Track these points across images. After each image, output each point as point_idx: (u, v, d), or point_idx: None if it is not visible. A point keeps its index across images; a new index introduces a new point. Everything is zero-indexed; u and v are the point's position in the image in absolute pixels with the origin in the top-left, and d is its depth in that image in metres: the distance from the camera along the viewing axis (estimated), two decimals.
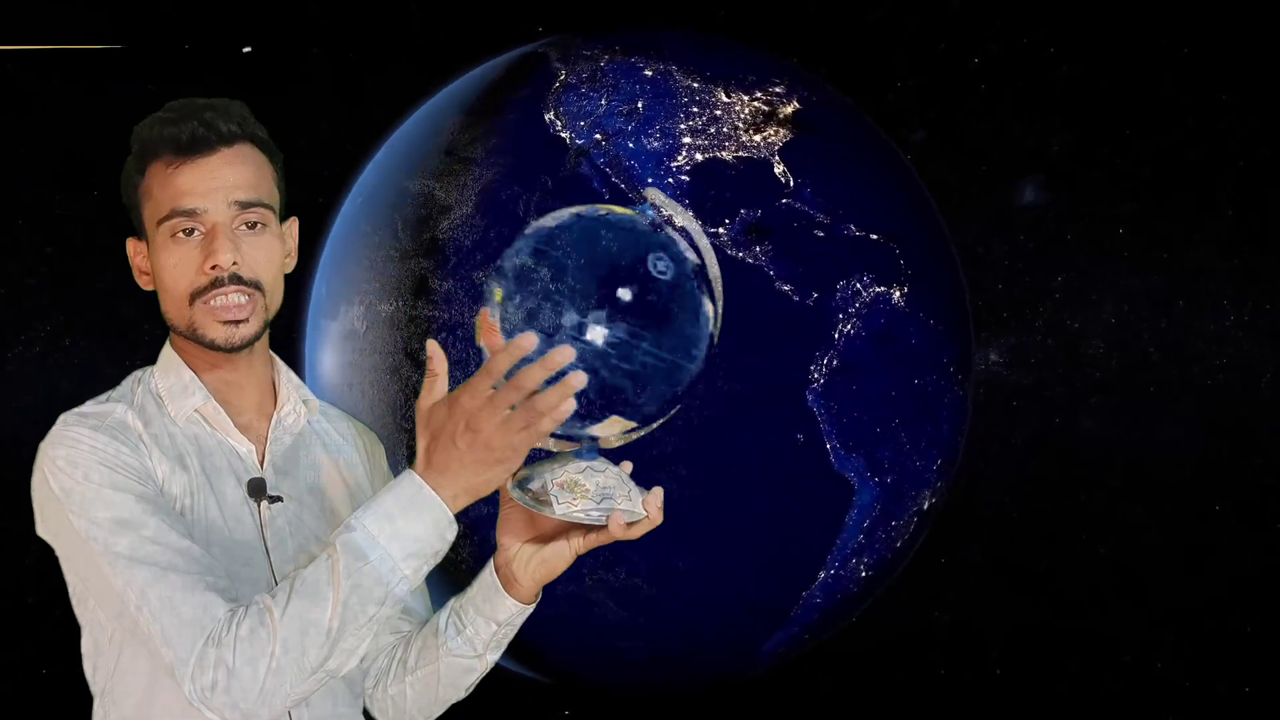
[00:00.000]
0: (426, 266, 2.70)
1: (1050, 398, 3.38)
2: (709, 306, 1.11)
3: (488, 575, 1.30)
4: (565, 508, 1.14)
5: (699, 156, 2.64)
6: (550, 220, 1.12)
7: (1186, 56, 3.28)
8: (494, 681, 1.42)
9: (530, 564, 1.25)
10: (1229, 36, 3.23)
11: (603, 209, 1.12)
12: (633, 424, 1.13)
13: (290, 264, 1.36)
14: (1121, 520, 3.37)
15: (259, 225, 1.28)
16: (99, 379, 3.27)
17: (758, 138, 2.84)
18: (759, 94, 2.92)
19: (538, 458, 1.19)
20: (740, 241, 2.58)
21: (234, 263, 1.24)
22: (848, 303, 2.64)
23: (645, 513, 1.16)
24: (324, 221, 3.06)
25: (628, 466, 1.21)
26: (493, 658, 1.33)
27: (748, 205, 2.61)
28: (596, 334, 1.05)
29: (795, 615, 2.77)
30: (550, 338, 1.06)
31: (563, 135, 2.67)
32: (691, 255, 1.13)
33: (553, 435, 1.12)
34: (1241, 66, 3.22)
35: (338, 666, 1.10)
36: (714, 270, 1.16)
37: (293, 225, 1.37)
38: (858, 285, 2.67)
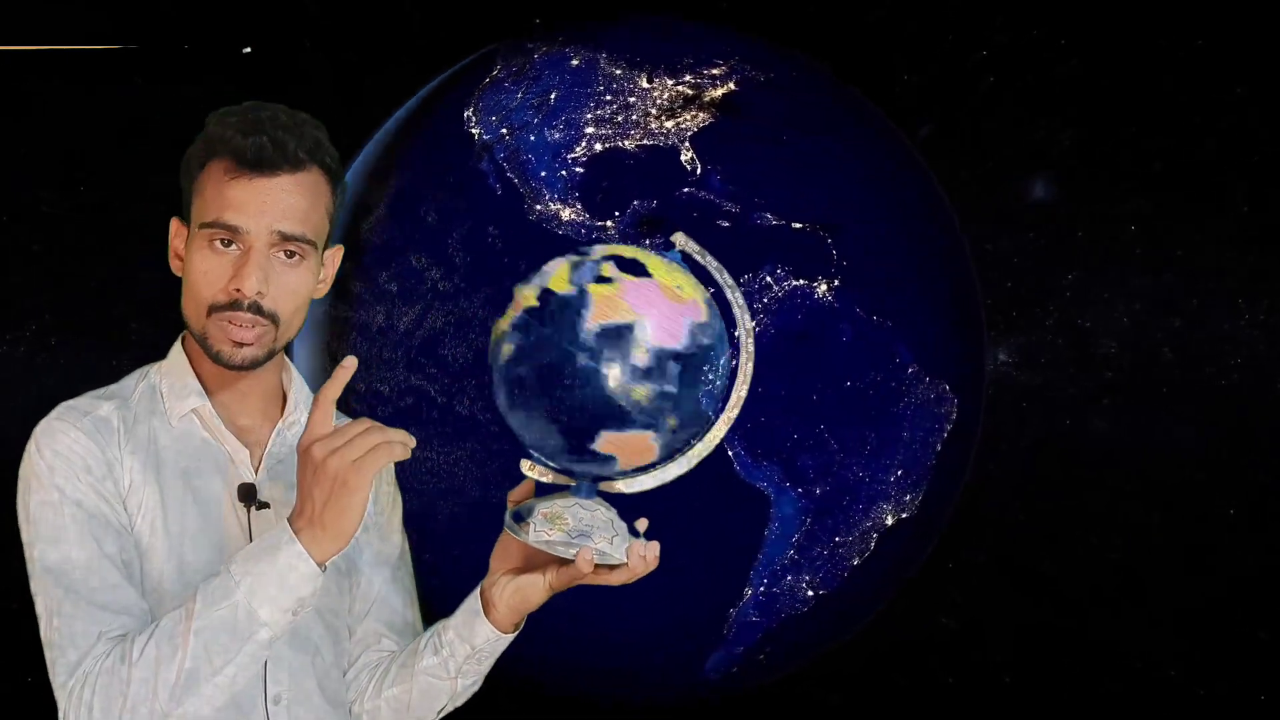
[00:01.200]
0: (345, 268, 2.75)
1: (1060, 398, 3.38)
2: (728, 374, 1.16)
3: (471, 598, 1.34)
4: (537, 535, 1.18)
5: (598, 147, 2.59)
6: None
7: (1200, 49, 3.27)
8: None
9: (507, 590, 1.28)
10: (1243, 28, 3.22)
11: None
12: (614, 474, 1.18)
13: (322, 290, 1.39)
14: (1132, 524, 3.36)
15: (296, 257, 1.30)
16: (87, 379, 3.27)
17: (670, 124, 2.81)
18: (689, 78, 2.89)
19: (547, 493, 1.24)
20: (631, 234, 2.55)
21: (258, 292, 1.27)
22: (752, 298, 2.53)
23: (622, 559, 1.18)
24: None
25: (643, 524, 1.25)
26: (464, 684, 1.36)
27: (645, 196, 2.53)
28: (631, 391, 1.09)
29: (732, 635, 2.72)
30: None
31: (474, 131, 2.65)
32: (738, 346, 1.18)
33: (554, 470, 1.18)
34: (1256, 59, 3.21)
35: (196, 710, 1.14)
36: (746, 323, 1.18)
37: (336, 253, 1.40)
38: (768, 279, 2.54)
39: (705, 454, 1.21)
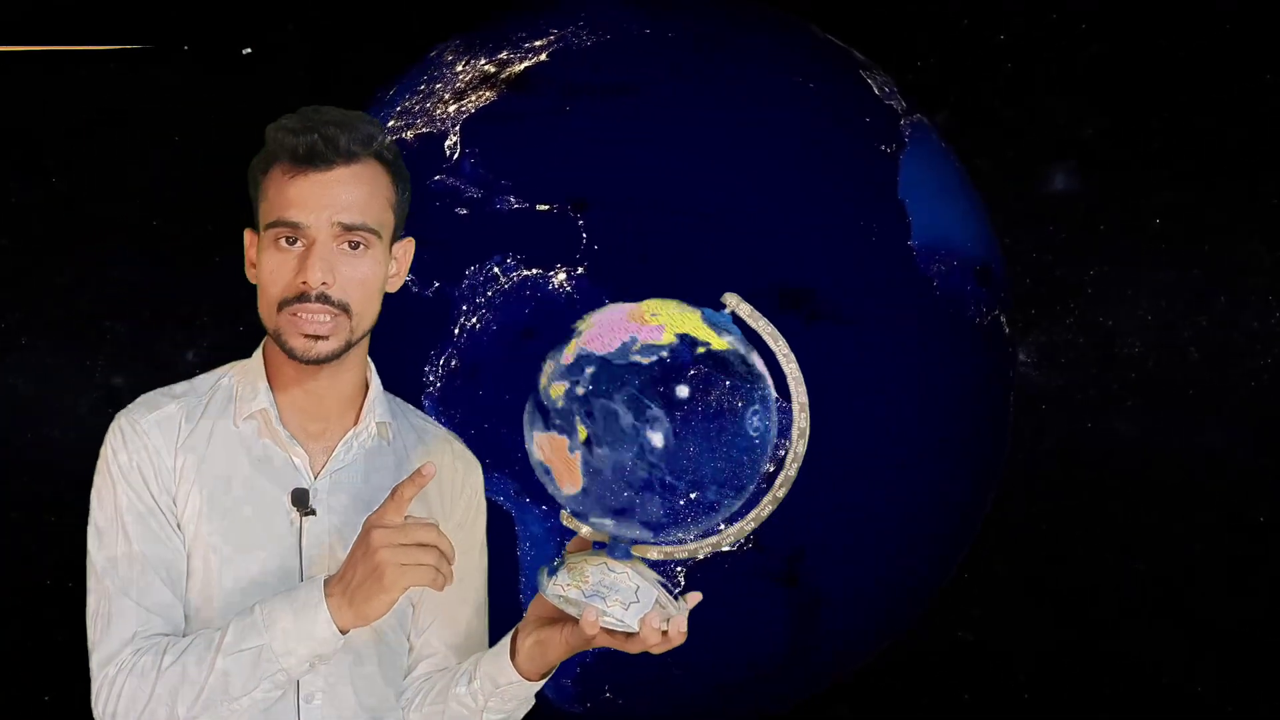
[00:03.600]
0: None
1: (1082, 400, 3.38)
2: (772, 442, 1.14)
3: (504, 639, 1.39)
4: (554, 589, 1.21)
5: (386, 140, 2.64)
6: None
7: (1228, 33, 3.25)
8: None
9: (528, 640, 1.34)
10: (1274, 11, 3.21)
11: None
12: (652, 546, 1.20)
13: (396, 284, 1.45)
14: (1160, 533, 3.34)
15: (361, 247, 1.37)
16: (57, 379, 3.25)
17: (453, 108, 2.78)
18: (502, 56, 2.85)
19: (599, 550, 1.25)
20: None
21: (323, 282, 1.34)
22: (476, 291, 2.40)
23: (632, 627, 1.18)
24: None
25: (694, 598, 1.24)
26: (492, 718, 1.40)
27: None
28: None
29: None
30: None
31: None
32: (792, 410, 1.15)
33: (590, 525, 1.18)
34: None
35: None
36: (799, 396, 1.14)
37: (407, 245, 1.47)
38: (495, 269, 2.39)
39: (745, 533, 1.19)
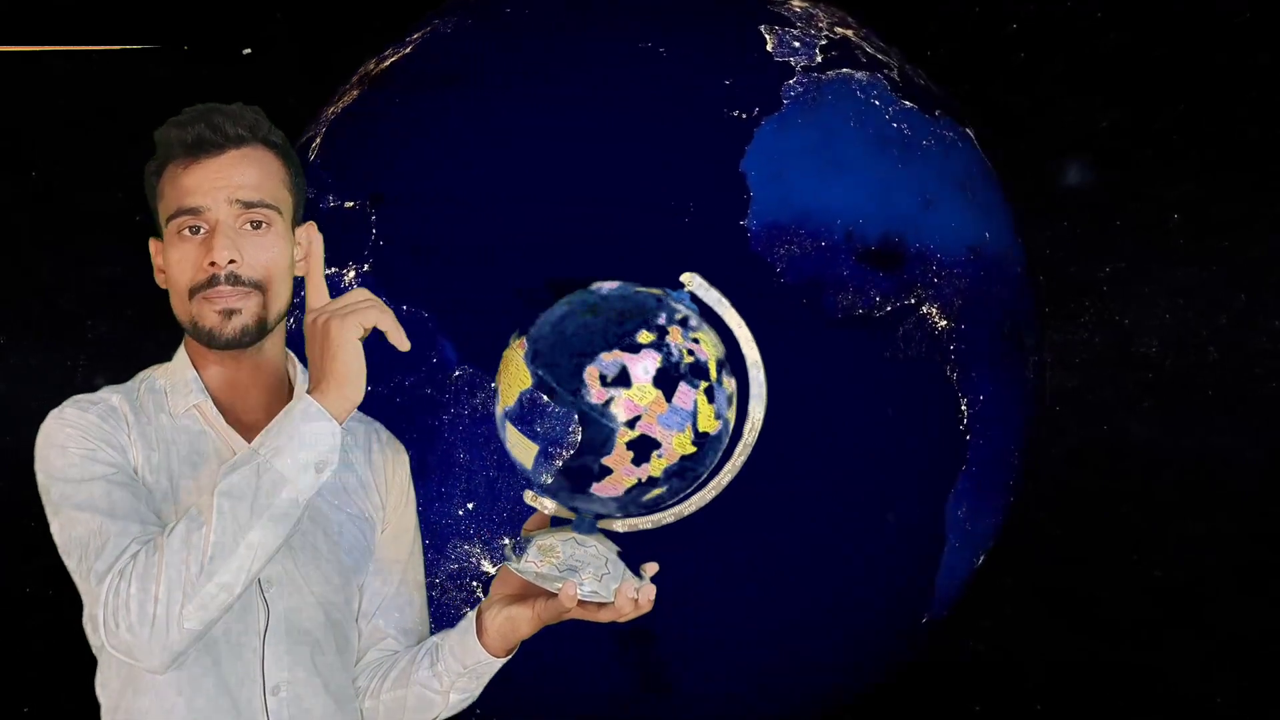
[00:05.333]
0: None
1: (1097, 402, 3.36)
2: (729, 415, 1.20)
3: (468, 618, 1.43)
4: (526, 565, 1.25)
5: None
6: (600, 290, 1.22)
7: (1248, 22, 3.23)
8: None
9: (498, 618, 1.37)
10: None
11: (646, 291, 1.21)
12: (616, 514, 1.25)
13: (304, 268, 1.49)
14: (1176, 539, 3.33)
15: (263, 225, 1.42)
16: (37, 379, 3.24)
17: (330, 109, 2.86)
18: (388, 53, 2.87)
19: (559, 525, 1.32)
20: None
21: (231, 261, 1.38)
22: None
23: (608, 598, 1.24)
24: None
25: (651, 568, 1.31)
26: (456, 699, 1.45)
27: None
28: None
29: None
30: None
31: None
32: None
33: (557, 501, 1.25)
34: None
35: (230, 581, 1.23)
36: (752, 355, 1.22)
37: (309, 230, 1.50)
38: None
39: (707, 501, 1.26)
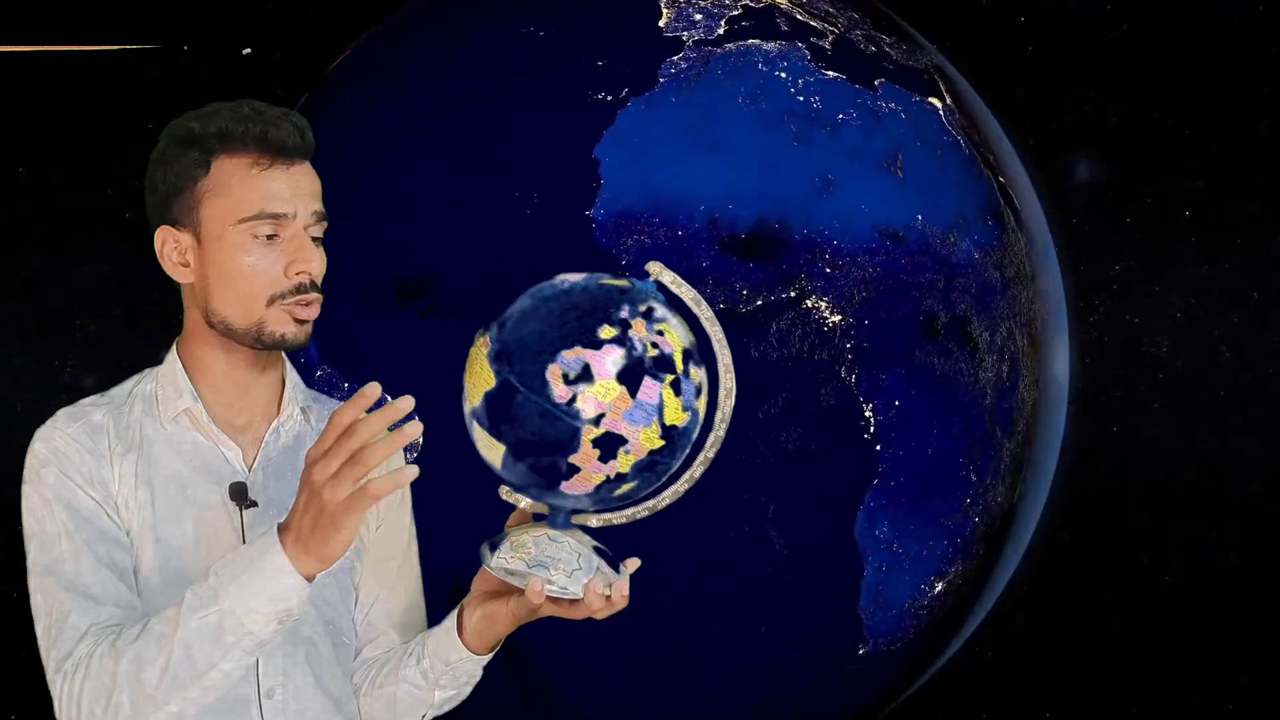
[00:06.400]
0: None
1: (1107, 402, 3.33)
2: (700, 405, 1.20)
3: (450, 615, 1.45)
4: (498, 561, 1.26)
5: None
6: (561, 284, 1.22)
7: (1262, 13, 3.21)
8: None
9: (475, 614, 1.40)
10: None
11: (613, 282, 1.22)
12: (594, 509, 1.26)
13: None
14: (1188, 543, 3.31)
15: (322, 235, 1.47)
16: (23, 380, 3.21)
17: None
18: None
19: (540, 521, 1.32)
20: None
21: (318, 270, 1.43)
22: None
23: (576, 594, 1.24)
24: None
25: (633, 563, 1.31)
26: (442, 695, 1.47)
27: None
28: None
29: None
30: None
31: None
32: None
33: (529, 498, 1.26)
34: None
35: (182, 710, 1.25)
36: (723, 358, 1.22)
37: None
38: None
39: (680, 494, 1.27)
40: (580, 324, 1.15)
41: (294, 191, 1.40)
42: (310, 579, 1.23)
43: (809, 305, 2.49)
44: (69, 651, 1.29)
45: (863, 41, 2.77)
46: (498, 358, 1.16)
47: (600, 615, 1.28)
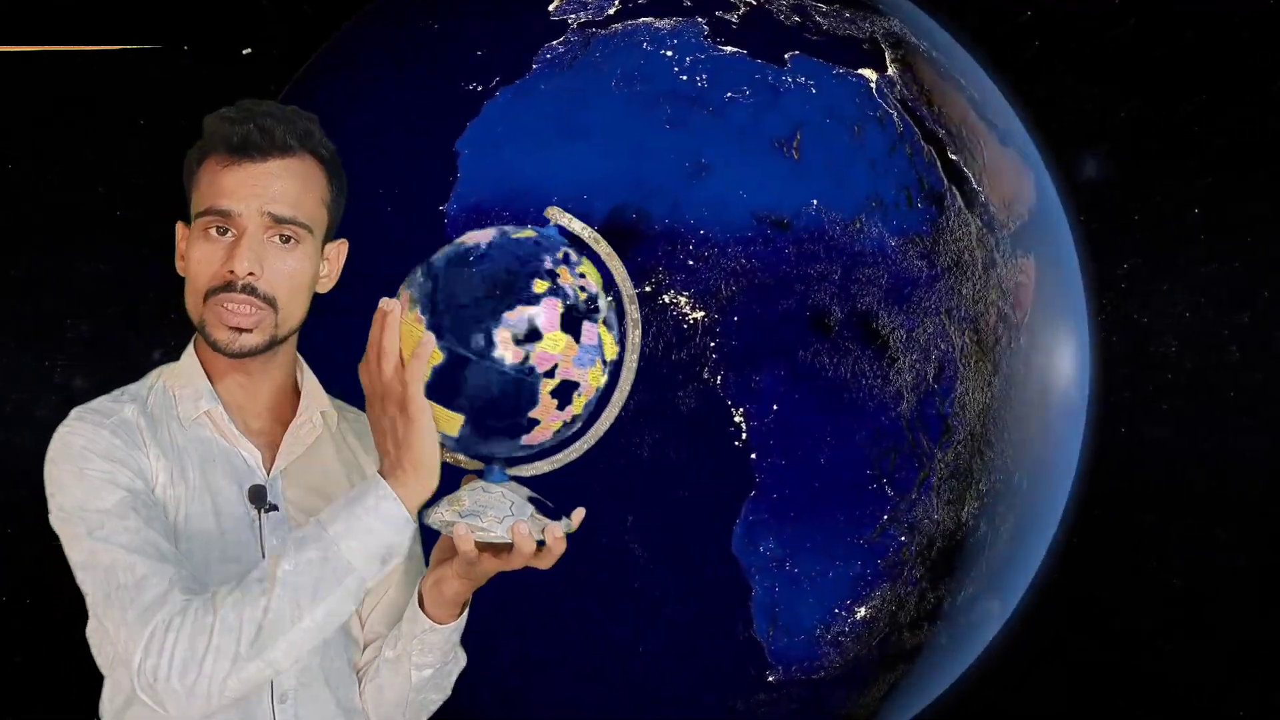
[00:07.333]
0: None
1: (1114, 403, 3.30)
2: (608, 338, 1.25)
3: (415, 588, 1.48)
4: (436, 516, 1.29)
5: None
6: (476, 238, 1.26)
7: (1272, 9, 3.21)
8: None
9: (428, 581, 1.42)
10: None
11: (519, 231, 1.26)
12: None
13: (328, 285, 1.51)
14: (1196, 546, 3.31)
15: (291, 241, 1.43)
16: (13, 380, 3.20)
17: None
18: None
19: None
20: None
21: (250, 273, 1.39)
22: None
23: (503, 537, 1.28)
24: None
25: (578, 514, 1.34)
26: (420, 674, 1.47)
27: None
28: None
29: None
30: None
31: None
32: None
33: (465, 454, 1.30)
34: None
35: (278, 660, 1.23)
36: (626, 289, 1.28)
37: (340, 248, 1.53)
38: None
39: (599, 436, 1.32)
40: (513, 283, 1.19)
41: (246, 190, 1.40)
42: (414, 512, 1.25)
43: (665, 301, 2.36)
44: (152, 604, 1.25)
45: (785, 12, 2.60)
46: (438, 331, 1.19)
47: (541, 564, 1.30)
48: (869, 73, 2.58)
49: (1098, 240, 3.35)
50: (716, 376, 2.33)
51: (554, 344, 1.19)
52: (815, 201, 2.45)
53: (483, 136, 2.41)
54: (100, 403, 1.45)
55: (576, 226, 1.28)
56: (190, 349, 1.51)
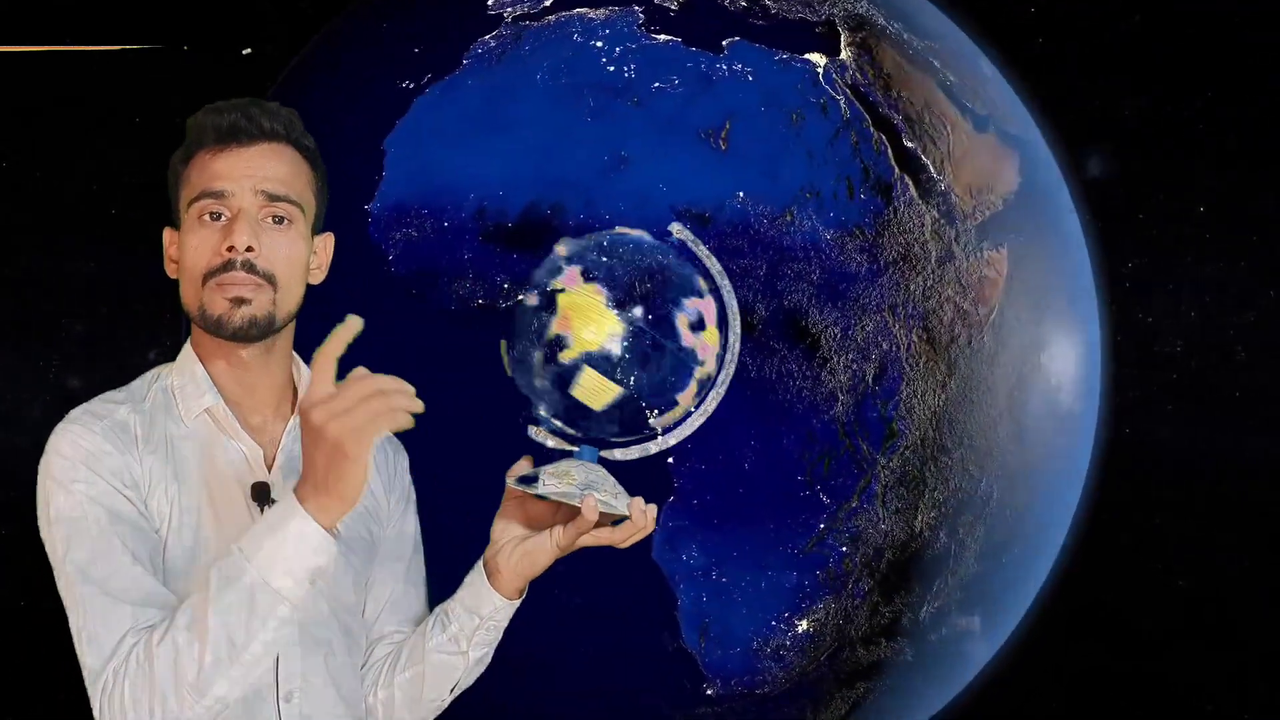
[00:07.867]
0: None
1: (1119, 403, 3.29)
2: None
3: (474, 571, 1.50)
4: (548, 488, 1.34)
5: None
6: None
7: (1278, 5, 3.19)
8: None
9: (514, 555, 1.44)
10: None
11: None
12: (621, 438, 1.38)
13: (319, 276, 1.54)
14: (1202, 548, 3.30)
15: (285, 221, 1.46)
16: (8, 381, 3.20)
17: None
18: None
19: (549, 460, 1.42)
20: None
21: (249, 249, 1.41)
22: None
23: (625, 511, 1.35)
24: None
25: (641, 502, 1.39)
26: (476, 654, 1.50)
27: None
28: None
29: None
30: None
31: None
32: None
33: (555, 434, 1.38)
34: None
35: (226, 693, 1.24)
36: (733, 308, 1.37)
37: (327, 239, 1.56)
38: None
39: (696, 427, 1.38)
40: (684, 277, 1.32)
41: (239, 171, 1.43)
42: (333, 530, 1.25)
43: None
44: (107, 657, 1.28)
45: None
46: (620, 306, 1.29)
47: (632, 540, 1.37)
48: (817, 57, 2.49)
49: (1102, 238, 3.34)
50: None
51: (711, 337, 1.32)
52: (741, 194, 2.39)
53: (410, 134, 2.41)
54: (96, 404, 1.46)
55: (700, 249, 1.39)
56: (188, 347, 1.52)
